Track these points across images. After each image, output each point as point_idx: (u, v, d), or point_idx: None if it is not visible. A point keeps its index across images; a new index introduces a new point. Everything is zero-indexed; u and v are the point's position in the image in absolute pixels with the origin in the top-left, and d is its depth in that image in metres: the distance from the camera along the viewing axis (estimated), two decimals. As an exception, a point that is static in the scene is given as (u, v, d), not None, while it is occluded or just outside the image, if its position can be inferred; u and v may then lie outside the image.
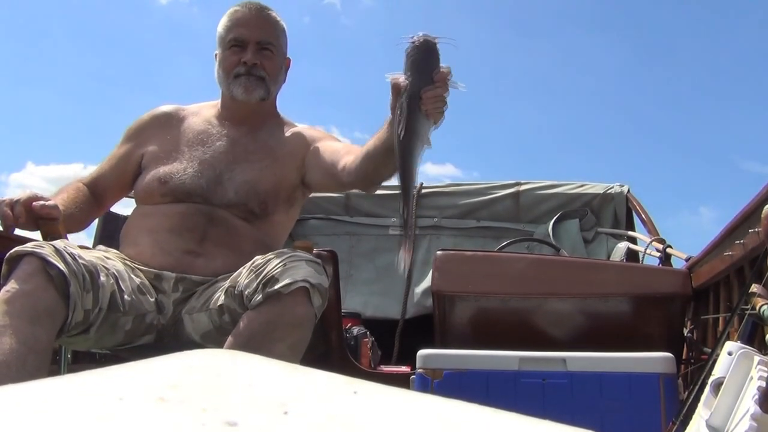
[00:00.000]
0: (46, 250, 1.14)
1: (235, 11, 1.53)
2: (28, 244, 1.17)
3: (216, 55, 1.55)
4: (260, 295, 1.16)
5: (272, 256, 1.23)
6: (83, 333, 1.22)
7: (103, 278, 1.22)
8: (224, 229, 1.42)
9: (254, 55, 1.49)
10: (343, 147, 1.48)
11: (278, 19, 1.56)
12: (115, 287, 1.26)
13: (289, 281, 1.16)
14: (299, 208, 1.59)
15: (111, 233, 2.18)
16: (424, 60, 1.04)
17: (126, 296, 1.28)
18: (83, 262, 1.19)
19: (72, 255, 1.17)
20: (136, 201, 1.55)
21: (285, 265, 1.19)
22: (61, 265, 1.13)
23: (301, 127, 1.60)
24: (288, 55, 1.60)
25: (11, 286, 1.10)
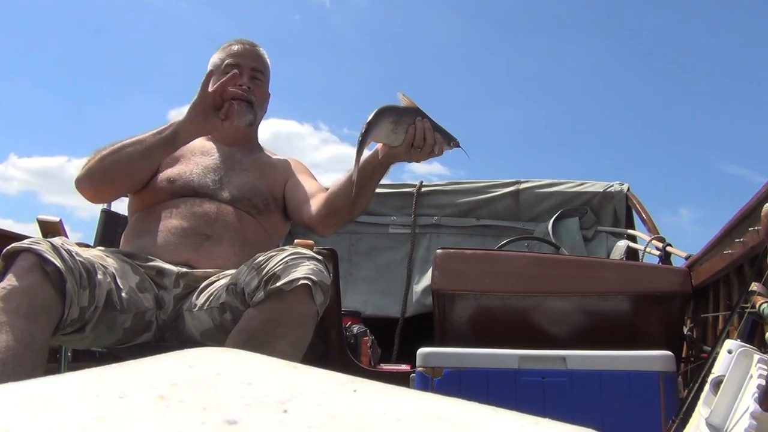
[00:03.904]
0: (43, 246, 1.14)
1: (230, 44, 1.69)
2: (25, 241, 1.16)
3: None
4: (262, 293, 1.16)
5: (274, 253, 1.24)
6: (79, 331, 1.22)
7: (100, 276, 1.22)
8: (230, 218, 1.51)
9: (248, 80, 1.64)
10: (319, 188, 1.62)
11: (266, 55, 1.73)
12: (113, 285, 1.26)
13: (291, 278, 1.16)
14: (290, 221, 1.69)
15: (111, 233, 2.18)
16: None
17: (124, 294, 1.28)
18: (80, 259, 1.19)
19: (69, 252, 1.17)
20: (138, 206, 1.57)
21: (287, 262, 1.19)
22: (58, 262, 1.13)
23: (286, 156, 1.76)
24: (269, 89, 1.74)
25: (7, 282, 1.10)
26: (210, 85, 1.45)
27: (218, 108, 1.43)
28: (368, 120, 1.30)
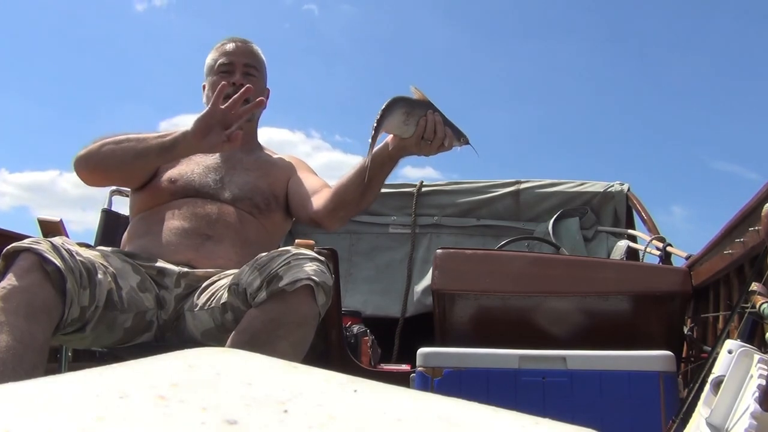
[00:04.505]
0: (43, 246, 1.14)
1: (222, 44, 1.69)
2: (25, 240, 1.16)
3: (204, 86, 1.69)
4: (264, 293, 1.16)
5: (276, 253, 1.24)
6: (79, 331, 1.22)
7: (100, 276, 1.22)
8: (232, 219, 1.50)
9: (242, 77, 1.62)
10: (323, 184, 1.62)
11: (260, 51, 1.72)
12: (113, 285, 1.26)
13: (294, 279, 1.16)
14: (290, 221, 1.68)
15: (112, 233, 2.18)
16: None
17: (125, 294, 1.28)
18: (81, 259, 1.19)
19: (69, 252, 1.17)
20: (140, 206, 1.57)
21: (289, 263, 1.19)
22: (58, 262, 1.13)
23: (286, 155, 1.75)
24: (267, 86, 1.73)
25: (7, 282, 1.10)
26: (221, 101, 1.37)
27: (226, 127, 1.36)
28: (382, 108, 1.31)
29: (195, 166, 1.58)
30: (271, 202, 1.58)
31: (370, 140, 1.32)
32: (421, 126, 1.32)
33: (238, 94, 1.37)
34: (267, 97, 1.73)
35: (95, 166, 1.48)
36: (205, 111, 1.35)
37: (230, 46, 1.67)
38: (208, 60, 1.69)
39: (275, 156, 1.72)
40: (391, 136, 1.36)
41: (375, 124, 1.30)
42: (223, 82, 1.41)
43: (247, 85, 1.43)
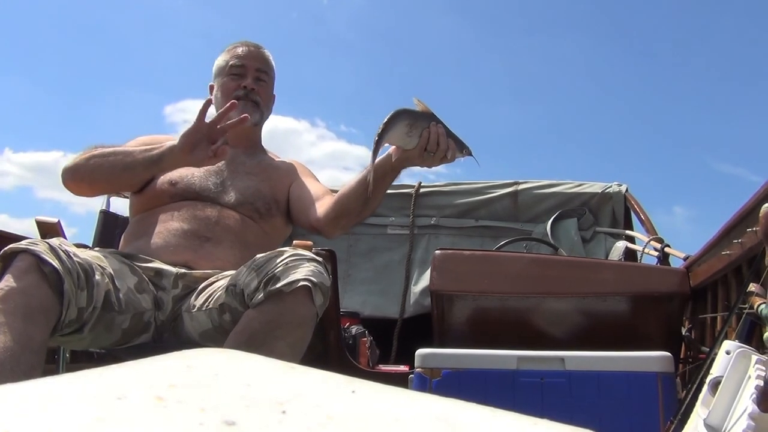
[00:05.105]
0: (41, 247, 1.14)
1: (235, 47, 1.69)
2: (23, 242, 1.16)
3: (211, 86, 1.69)
4: (261, 294, 1.16)
5: (273, 254, 1.24)
6: (77, 332, 1.21)
7: (98, 277, 1.22)
8: (231, 222, 1.51)
9: (252, 81, 1.63)
10: (325, 191, 1.62)
11: (271, 57, 1.73)
12: (111, 286, 1.25)
13: (291, 280, 1.16)
14: (291, 226, 1.68)
15: (110, 234, 2.18)
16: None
17: (122, 295, 1.28)
18: (78, 260, 1.18)
19: (66, 253, 1.17)
20: (140, 208, 1.56)
21: (287, 263, 1.19)
22: (55, 263, 1.13)
23: (289, 159, 1.75)
24: (274, 92, 1.73)
25: (5, 283, 1.09)
26: (225, 117, 1.37)
27: (213, 141, 1.36)
28: (385, 120, 1.31)
29: (195, 170, 1.57)
30: (272, 206, 1.58)
31: (371, 152, 1.32)
32: (425, 138, 1.32)
33: (225, 108, 1.36)
34: (273, 103, 1.75)
35: (82, 179, 1.49)
36: (190, 127, 1.36)
37: (242, 50, 1.68)
38: (219, 61, 1.69)
39: (278, 160, 1.72)
40: (394, 147, 1.37)
41: (377, 137, 1.31)
42: (232, 101, 1.40)
43: (243, 115, 1.42)
